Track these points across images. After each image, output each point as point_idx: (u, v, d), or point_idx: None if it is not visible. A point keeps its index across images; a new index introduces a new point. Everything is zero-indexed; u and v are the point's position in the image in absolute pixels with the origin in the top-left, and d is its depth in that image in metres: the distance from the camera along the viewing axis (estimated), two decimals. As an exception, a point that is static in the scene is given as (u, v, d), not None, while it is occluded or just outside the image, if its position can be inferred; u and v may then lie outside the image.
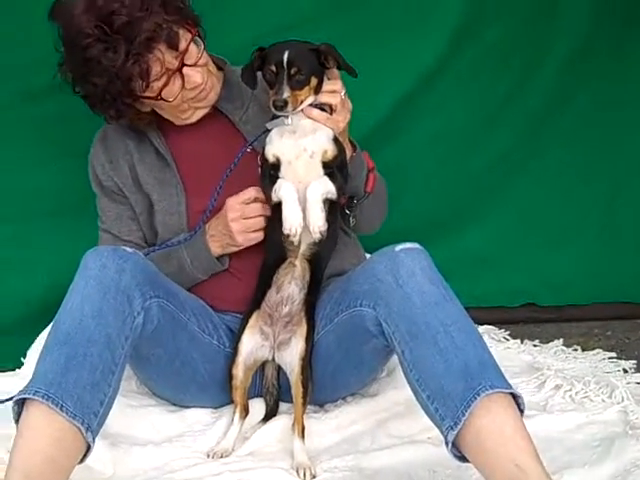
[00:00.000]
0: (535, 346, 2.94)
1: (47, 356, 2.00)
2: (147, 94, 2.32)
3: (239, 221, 2.32)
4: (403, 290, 2.08)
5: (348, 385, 2.47)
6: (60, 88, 2.41)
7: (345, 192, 2.33)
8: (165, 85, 2.30)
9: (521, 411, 2.02)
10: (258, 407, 2.42)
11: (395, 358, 2.21)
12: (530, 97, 3.05)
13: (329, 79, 2.25)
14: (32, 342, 2.59)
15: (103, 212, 2.53)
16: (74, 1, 2.28)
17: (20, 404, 1.96)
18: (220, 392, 2.39)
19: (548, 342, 2.95)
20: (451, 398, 1.97)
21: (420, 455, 2.25)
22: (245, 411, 2.36)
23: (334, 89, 2.23)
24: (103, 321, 2.02)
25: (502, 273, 3.17)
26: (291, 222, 2.20)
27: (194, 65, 2.30)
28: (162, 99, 2.32)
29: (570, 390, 2.57)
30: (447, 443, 1.97)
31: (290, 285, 2.29)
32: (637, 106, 3.09)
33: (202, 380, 2.39)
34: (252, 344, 2.32)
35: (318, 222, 2.20)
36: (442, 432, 2.02)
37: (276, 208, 2.26)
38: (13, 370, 2.65)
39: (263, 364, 2.37)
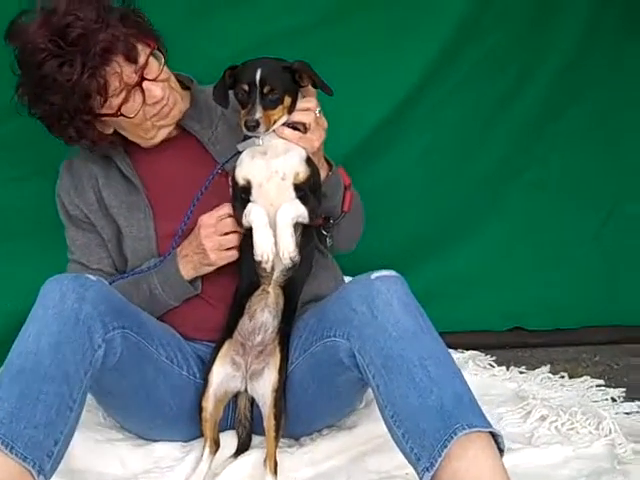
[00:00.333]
0: (521, 373, 2.88)
1: None
2: (106, 111, 2.27)
3: (212, 237, 2.25)
4: (378, 321, 2.02)
5: (324, 417, 2.41)
6: (17, 111, 2.36)
7: (319, 214, 2.27)
8: (125, 101, 2.25)
9: (501, 451, 1.94)
10: (230, 440, 2.34)
11: (373, 389, 2.10)
12: (522, 107, 3.01)
13: (304, 96, 2.20)
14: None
15: (71, 242, 2.47)
16: (29, 20, 2.23)
17: None
18: (190, 425, 2.31)
19: (535, 368, 2.89)
20: (427, 437, 1.90)
21: (397, 492, 2.16)
22: (216, 445, 2.29)
23: (308, 107, 2.18)
24: (60, 355, 1.95)
25: (489, 295, 3.11)
26: (262, 248, 2.14)
27: (154, 80, 2.26)
28: (122, 115, 2.27)
29: (556, 421, 2.51)
30: (423, 484, 1.90)
31: (263, 313, 2.23)
32: (635, 115, 3.03)
33: (170, 413, 2.31)
34: (223, 375, 2.25)
35: (288, 247, 2.13)
36: (417, 473, 1.94)
37: (248, 233, 2.20)
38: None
39: (236, 394, 2.30)
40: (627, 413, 2.59)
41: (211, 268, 2.31)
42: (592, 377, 2.80)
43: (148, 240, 2.37)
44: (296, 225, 2.17)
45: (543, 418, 2.52)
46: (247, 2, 2.78)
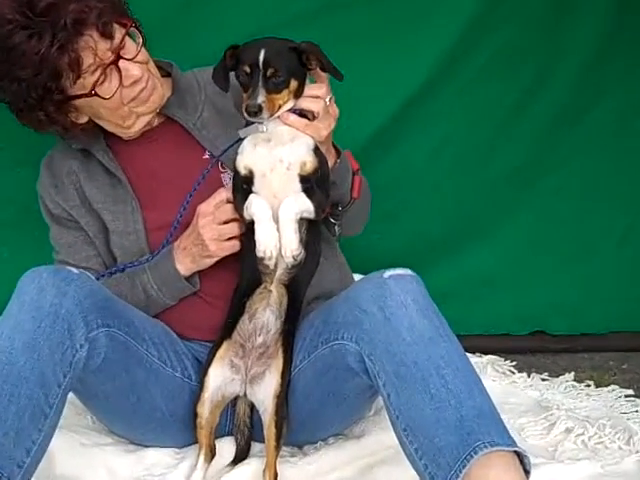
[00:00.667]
0: (544, 380, 2.78)
1: None
2: (79, 91, 2.17)
3: (211, 226, 2.16)
4: (390, 323, 1.91)
5: (329, 425, 2.30)
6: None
7: (325, 209, 2.16)
8: (99, 81, 2.16)
9: (526, 472, 1.80)
10: (227, 447, 2.24)
11: (384, 396, 2.02)
12: (542, 107, 2.91)
13: (315, 82, 2.09)
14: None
15: (56, 241, 2.39)
16: None
17: None
18: (184, 431, 2.21)
19: (558, 375, 2.81)
20: (443, 455, 1.78)
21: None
22: (211, 453, 2.19)
23: (317, 94, 2.07)
24: (36, 355, 1.84)
25: (508, 297, 3.01)
26: (265, 244, 2.04)
27: (132, 60, 2.18)
28: (97, 95, 2.17)
29: (582, 434, 2.39)
30: (438, 506, 1.78)
31: (265, 312, 2.13)
32: (658, 117, 2.94)
33: (162, 418, 2.20)
34: (220, 378, 2.14)
35: (291, 245, 2.04)
36: (431, 493, 1.81)
37: (249, 226, 2.11)
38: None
39: (235, 399, 2.21)
40: (659, 427, 2.44)
41: (211, 261, 2.21)
42: (620, 386, 2.70)
43: (136, 234, 2.28)
44: (301, 220, 2.08)
45: (568, 431, 2.41)
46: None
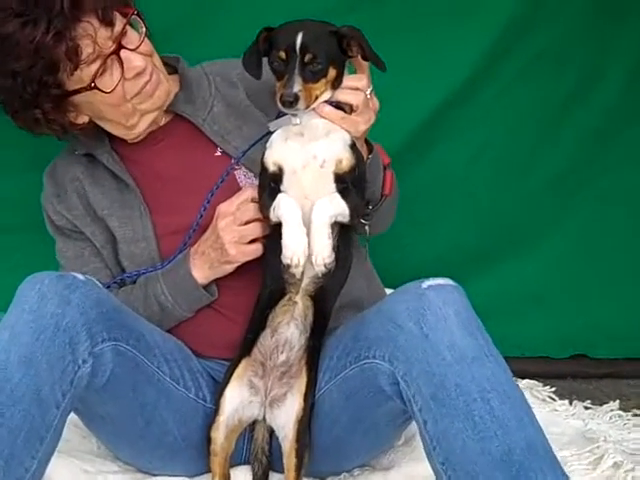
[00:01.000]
0: (587, 408, 2.67)
1: None
2: (77, 84, 2.10)
3: (231, 228, 2.07)
4: (429, 340, 1.81)
5: (356, 455, 2.20)
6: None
7: (360, 212, 2.07)
8: (99, 72, 2.09)
9: None
10: (243, 477, 2.16)
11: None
12: (590, 111, 2.84)
13: (354, 71, 2.00)
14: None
15: (61, 254, 2.31)
16: None
17: None
18: (196, 458, 2.13)
19: (602, 403, 2.70)
20: None
21: None
22: None
23: (357, 86, 1.98)
24: (33, 371, 1.75)
25: (548, 316, 2.92)
26: (292, 249, 1.92)
27: (134, 50, 2.12)
28: (97, 89, 2.10)
29: (633, 470, 2.26)
30: None
31: (289, 327, 2.04)
32: None
33: (174, 443, 2.12)
34: (238, 400, 2.05)
35: (323, 252, 1.92)
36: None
37: (275, 228, 2.00)
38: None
39: (253, 424, 2.12)
40: None
41: (231, 267, 2.11)
42: (672, 417, 2.60)
43: (147, 241, 2.20)
44: (333, 224, 1.97)
45: (617, 466, 2.28)
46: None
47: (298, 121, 1.96)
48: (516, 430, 1.70)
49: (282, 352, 2.03)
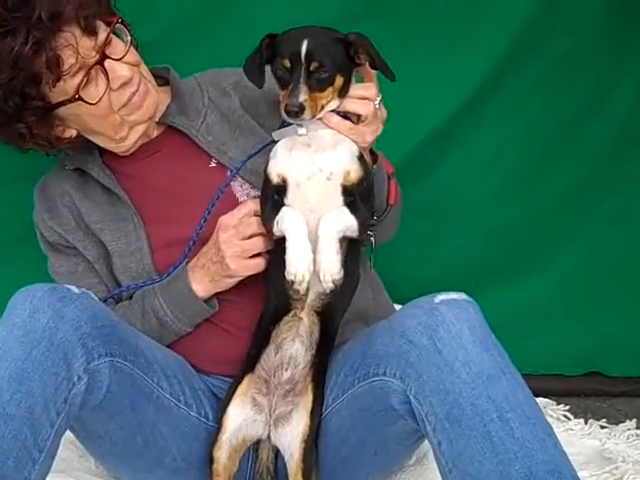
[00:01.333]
0: (603, 427, 2.62)
1: None
2: (60, 96, 2.06)
3: (232, 242, 2.03)
4: (442, 357, 1.76)
5: (364, 476, 2.14)
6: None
7: (368, 226, 2.02)
8: (83, 83, 2.05)
9: None
10: None
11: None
12: (605, 122, 2.77)
13: (362, 80, 1.96)
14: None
15: (55, 271, 2.28)
16: None
17: None
18: (198, 478, 2.07)
19: (618, 423, 2.65)
20: None
21: None
22: None
23: (366, 95, 1.94)
24: (24, 388, 1.69)
25: (562, 333, 2.85)
26: (296, 265, 1.87)
27: (119, 60, 2.08)
28: (82, 100, 2.06)
29: None
30: None
31: (294, 343, 2.00)
32: None
33: (173, 464, 2.06)
34: (241, 418, 2.01)
35: (331, 268, 1.87)
36: None
37: (279, 242, 1.95)
38: None
39: (257, 443, 2.07)
40: None
41: (233, 281, 2.07)
42: (692, 437, 2.53)
43: (140, 253, 2.16)
44: (341, 239, 1.92)
45: None
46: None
47: (304, 131, 1.92)
48: (537, 451, 1.65)
49: (287, 369, 1.99)
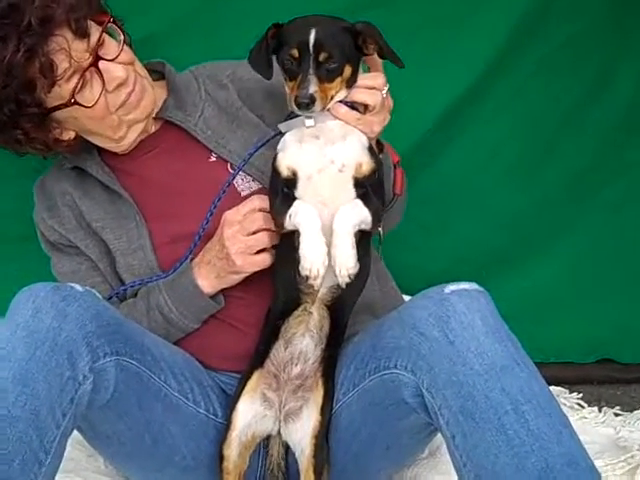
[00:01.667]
0: (617, 415, 2.62)
1: None
2: (56, 101, 2.04)
3: (237, 238, 2.01)
4: (455, 348, 1.73)
5: (376, 470, 2.12)
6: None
7: (381, 218, 1.98)
8: (79, 87, 2.03)
9: None
10: None
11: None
12: (607, 109, 2.76)
13: (368, 69, 1.94)
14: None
15: (57, 271, 2.25)
16: None
17: None
18: (208, 477, 2.05)
19: (632, 410, 2.64)
20: None
21: None
22: None
23: (374, 85, 1.91)
24: (29, 389, 1.66)
25: (572, 320, 2.84)
26: (311, 260, 1.84)
27: (113, 61, 2.05)
28: (78, 104, 2.04)
29: None
30: None
31: (304, 338, 1.98)
32: None
33: (183, 462, 2.04)
34: (251, 414, 1.99)
35: (347, 262, 1.83)
36: None
37: (287, 236, 1.93)
38: None
39: (267, 438, 2.05)
40: None
41: (239, 277, 2.05)
42: None
43: (143, 251, 2.14)
44: (355, 232, 1.89)
45: None
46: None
47: (312, 122, 1.89)
48: (553, 444, 1.62)
49: (296, 364, 1.97)
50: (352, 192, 1.89)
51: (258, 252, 2.02)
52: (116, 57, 2.04)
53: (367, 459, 2.02)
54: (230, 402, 2.00)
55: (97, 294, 1.86)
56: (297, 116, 1.90)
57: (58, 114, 2.05)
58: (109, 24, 2.08)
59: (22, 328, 1.71)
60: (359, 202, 1.88)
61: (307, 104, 1.79)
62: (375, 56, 1.90)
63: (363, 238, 1.92)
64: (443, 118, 2.69)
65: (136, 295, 2.13)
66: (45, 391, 1.68)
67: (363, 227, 1.89)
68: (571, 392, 2.69)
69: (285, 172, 1.91)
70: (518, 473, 1.60)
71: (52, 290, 1.76)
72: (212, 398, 2.07)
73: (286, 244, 1.91)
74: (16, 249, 2.64)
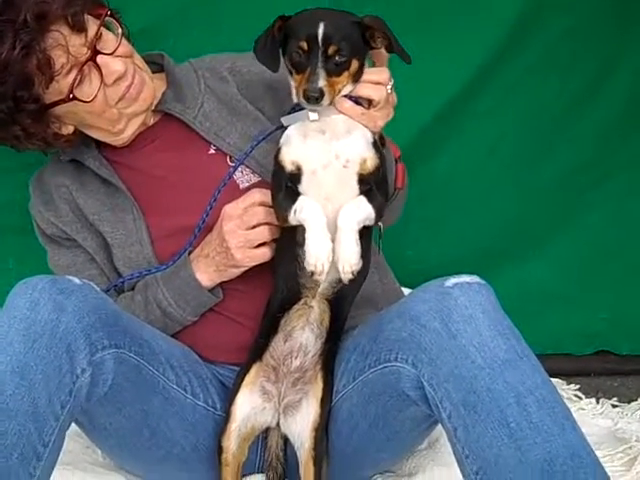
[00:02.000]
0: (614, 406, 2.60)
1: None
2: (54, 96, 2.02)
3: (237, 232, 2.00)
4: (456, 341, 1.71)
5: (376, 462, 2.13)
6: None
7: (383, 214, 1.97)
8: (77, 82, 2.01)
9: None
10: None
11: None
12: (605, 102, 2.75)
13: (373, 64, 1.92)
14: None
15: (54, 264, 2.25)
16: None
17: None
18: (207, 469, 2.04)
19: (629, 401, 2.63)
20: None
21: None
22: None
23: (379, 80, 1.90)
24: (27, 382, 1.65)
25: (569, 312, 2.84)
26: (316, 256, 1.84)
27: (111, 55, 2.04)
28: (77, 99, 2.02)
29: None
30: None
31: (303, 332, 1.97)
32: None
33: (182, 454, 2.03)
34: (250, 407, 1.98)
35: (351, 259, 1.83)
36: None
37: (287, 230, 1.93)
38: None
39: (266, 431, 2.05)
40: None
41: (239, 271, 2.04)
42: (703, 414, 2.51)
43: (140, 244, 2.13)
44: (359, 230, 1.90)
45: None
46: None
47: (316, 116, 1.87)
48: (556, 436, 1.60)
49: (296, 357, 1.97)
50: (356, 188, 1.88)
51: (258, 246, 2.01)
52: (114, 51, 2.03)
53: (366, 451, 2.02)
54: (229, 394, 2.00)
55: (95, 287, 1.84)
56: (300, 109, 1.88)
57: (57, 109, 2.04)
58: (106, 17, 2.03)
59: (20, 321, 1.70)
60: (363, 199, 1.88)
61: (316, 98, 1.78)
62: (382, 50, 1.88)
63: (364, 233, 1.91)
64: (440, 114, 2.69)
65: (133, 288, 2.10)
66: (43, 384, 1.67)
67: (367, 223, 1.89)
68: (569, 384, 2.67)
69: (289, 167, 1.90)
70: (521, 465, 1.59)
71: (50, 283, 1.75)
72: (211, 390, 2.06)
73: (287, 238, 1.91)
74: (14, 242, 2.61)
